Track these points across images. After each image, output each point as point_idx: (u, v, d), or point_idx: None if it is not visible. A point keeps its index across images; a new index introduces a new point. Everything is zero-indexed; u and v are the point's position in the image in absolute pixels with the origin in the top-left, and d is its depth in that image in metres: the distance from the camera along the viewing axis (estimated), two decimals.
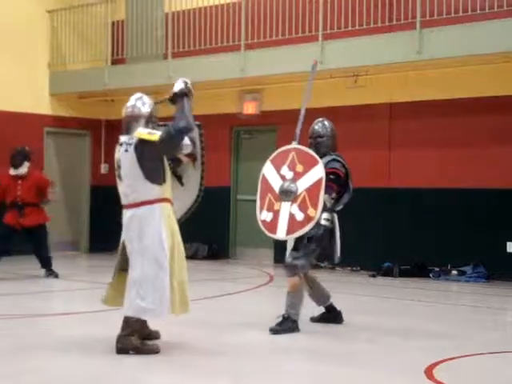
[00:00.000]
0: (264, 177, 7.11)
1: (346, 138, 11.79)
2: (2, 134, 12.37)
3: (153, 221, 5.92)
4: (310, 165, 6.90)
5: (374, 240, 12.06)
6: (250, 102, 13.62)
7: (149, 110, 6.09)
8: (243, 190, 13.66)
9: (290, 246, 7.15)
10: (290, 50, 11.91)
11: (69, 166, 15.16)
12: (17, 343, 6.38)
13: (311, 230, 6.87)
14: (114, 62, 14.60)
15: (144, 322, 6.15)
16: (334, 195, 7.05)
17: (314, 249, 6.98)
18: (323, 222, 6.98)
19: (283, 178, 6.99)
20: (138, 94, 6.20)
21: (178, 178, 6.46)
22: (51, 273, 10.81)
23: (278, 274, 10.79)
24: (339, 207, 7.19)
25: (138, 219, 5.95)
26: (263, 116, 13.51)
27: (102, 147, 15.30)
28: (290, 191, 6.89)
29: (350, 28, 11.54)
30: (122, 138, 6.06)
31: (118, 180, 6.10)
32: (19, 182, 10.63)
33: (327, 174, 6.90)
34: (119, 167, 6.04)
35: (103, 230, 14.61)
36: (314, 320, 7.43)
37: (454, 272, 11.32)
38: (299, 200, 6.83)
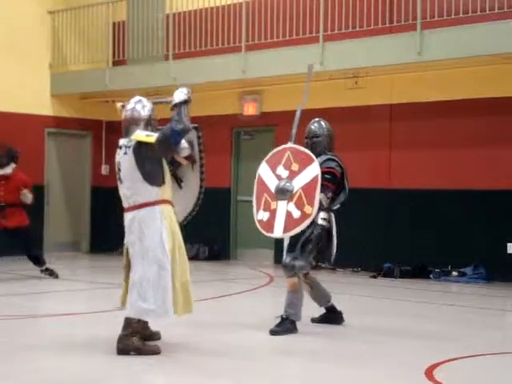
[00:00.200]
0: (260, 177, 7.13)
1: (346, 140, 11.88)
2: (3, 134, 12.36)
3: (153, 222, 5.94)
4: (305, 163, 6.92)
5: (375, 241, 12.07)
6: (251, 103, 13.64)
7: (148, 113, 6.10)
8: (244, 191, 13.67)
9: (286, 247, 7.17)
10: (291, 52, 11.93)
11: (70, 166, 15.18)
12: (17, 343, 6.38)
13: (309, 230, 6.89)
14: (115, 63, 14.62)
15: (145, 323, 6.16)
16: (330, 194, 7.04)
17: (312, 249, 6.98)
18: (320, 222, 6.98)
19: (279, 177, 7.00)
20: (137, 97, 6.20)
21: (179, 180, 6.47)
22: (47, 270, 10.69)
23: (278, 275, 10.79)
24: (336, 206, 7.20)
25: (138, 221, 5.97)
26: (263, 117, 13.53)
27: (103, 148, 15.32)
28: (286, 190, 6.91)
29: (350, 29, 11.55)
30: (122, 141, 6.09)
31: (118, 183, 6.13)
32: (2, 182, 10.49)
33: (323, 173, 6.92)
34: (119, 170, 6.07)
35: (104, 230, 14.65)
36: (315, 321, 7.44)
37: (455, 273, 11.32)
38: (295, 198, 6.85)
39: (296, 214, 6.80)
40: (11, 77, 13.98)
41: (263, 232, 7.01)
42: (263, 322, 7.17)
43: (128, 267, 6.10)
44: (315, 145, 7.22)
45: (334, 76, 12.09)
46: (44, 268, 10.75)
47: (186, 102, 5.98)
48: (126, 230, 6.07)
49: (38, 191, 13.89)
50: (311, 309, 7.40)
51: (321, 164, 6.98)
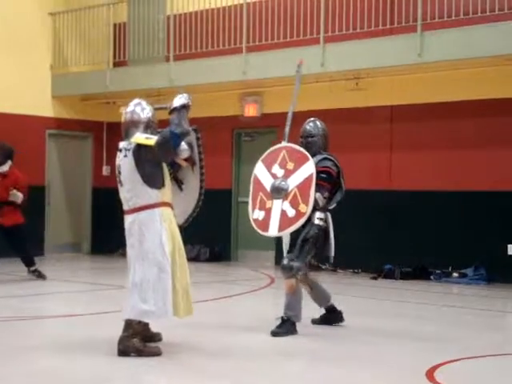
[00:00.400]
0: (255, 177, 7.14)
1: (346, 141, 11.91)
2: (4, 135, 12.36)
3: (153, 225, 5.95)
4: (300, 162, 6.93)
5: (376, 242, 12.06)
6: (251, 105, 13.64)
7: (148, 115, 6.10)
8: (244, 193, 13.63)
9: (285, 248, 7.16)
10: (291, 53, 11.89)
11: (71, 168, 15.19)
12: (18, 344, 6.38)
13: (305, 230, 6.89)
14: (116, 65, 14.62)
15: (146, 325, 6.17)
16: (326, 194, 7.02)
17: (310, 249, 6.97)
18: (317, 222, 6.97)
19: (274, 176, 7.01)
20: (137, 100, 6.20)
21: (179, 183, 6.48)
22: (34, 271, 10.66)
23: (279, 276, 10.78)
24: (332, 206, 7.18)
25: (138, 224, 5.98)
26: (264, 118, 13.53)
27: (104, 149, 15.33)
28: (281, 189, 6.92)
29: (351, 31, 11.55)
30: (121, 144, 6.10)
31: (119, 186, 6.14)
32: None
33: (319, 172, 6.92)
34: (119, 173, 6.09)
35: (105, 231, 14.65)
36: (315, 322, 7.44)
37: (455, 274, 11.32)
38: (290, 197, 6.86)
39: (291, 212, 6.81)
40: (12, 78, 13.99)
41: (258, 231, 7.02)
42: (264, 324, 7.17)
43: None
44: (310, 144, 7.20)
45: (334, 77, 12.09)
46: (33, 269, 10.71)
47: (185, 107, 5.99)
48: (127, 232, 6.08)
49: (39, 192, 13.96)
50: (311, 310, 7.40)
51: (316, 163, 6.98)
